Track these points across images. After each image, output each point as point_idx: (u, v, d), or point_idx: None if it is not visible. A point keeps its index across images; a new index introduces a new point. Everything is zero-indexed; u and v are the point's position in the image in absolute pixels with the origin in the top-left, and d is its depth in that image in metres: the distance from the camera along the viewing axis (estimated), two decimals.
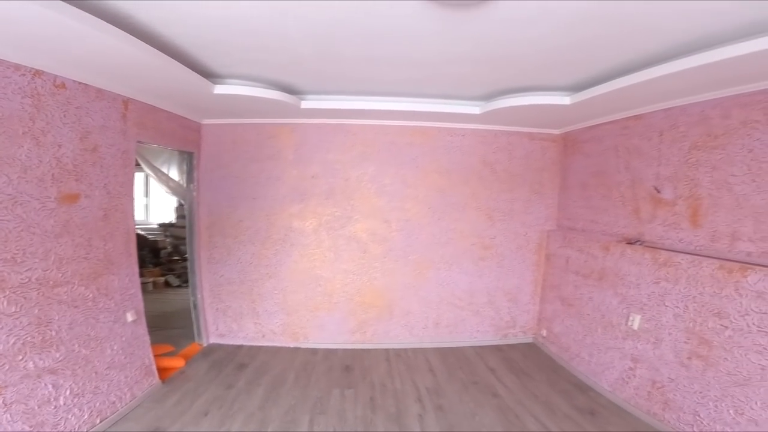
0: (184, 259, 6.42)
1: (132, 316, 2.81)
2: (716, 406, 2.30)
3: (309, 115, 3.68)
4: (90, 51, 1.92)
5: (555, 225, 4.24)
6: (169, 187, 3.86)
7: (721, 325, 2.32)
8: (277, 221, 3.97)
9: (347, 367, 3.53)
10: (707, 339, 2.39)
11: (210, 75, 2.73)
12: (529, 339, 4.32)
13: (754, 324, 2.16)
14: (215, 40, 2.15)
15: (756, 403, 2.11)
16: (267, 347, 3.95)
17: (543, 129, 4.13)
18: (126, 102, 2.80)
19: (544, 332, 4.06)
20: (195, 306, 3.94)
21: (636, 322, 2.87)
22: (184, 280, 6.21)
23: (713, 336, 2.35)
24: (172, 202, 7.75)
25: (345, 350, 3.96)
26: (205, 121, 3.88)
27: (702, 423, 2.37)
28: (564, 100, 2.91)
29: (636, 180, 3.14)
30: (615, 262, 3.16)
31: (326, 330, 4.03)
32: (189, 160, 3.84)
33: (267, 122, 3.90)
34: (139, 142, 2.99)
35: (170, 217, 8.00)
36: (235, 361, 3.57)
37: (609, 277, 3.21)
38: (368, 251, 4.00)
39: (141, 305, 2.93)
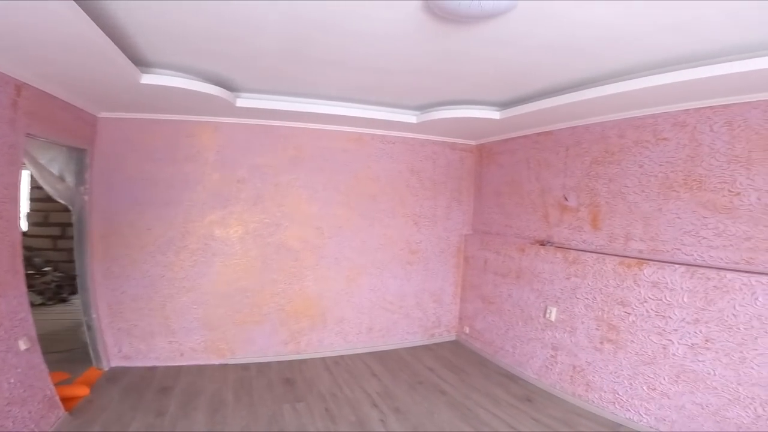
0: (42, 273, 5.45)
1: (25, 343, 2.30)
2: (630, 384, 2.73)
3: (239, 114, 3.44)
4: None
5: (471, 229, 4.60)
6: (56, 189, 3.25)
7: (625, 312, 2.77)
8: (195, 229, 3.62)
9: (288, 380, 3.35)
10: (615, 325, 2.83)
11: (137, 61, 2.39)
12: (452, 337, 4.60)
13: (652, 309, 2.63)
14: (161, 21, 1.89)
15: (664, 379, 2.56)
16: (188, 367, 3.55)
17: (463, 140, 4.47)
18: (19, 87, 2.31)
19: (467, 329, 4.35)
20: (89, 327, 3.36)
21: (553, 314, 3.26)
22: (48, 297, 5.26)
23: (619, 322, 2.79)
24: (23, 207, 6.46)
25: (279, 362, 3.75)
26: (103, 114, 3.37)
27: (621, 399, 2.79)
28: (494, 114, 3.20)
29: (545, 189, 3.58)
30: (530, 261, 3.55)
31: (256, 343, 3.78)
32: (80, 158, 3.28)
33: (185, 119, 3.55)
34: (29, 135, 2.49)
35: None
36: (153, 384, 3.14)
37: (526, 275, 3.59)
38: (300, 259, 3.87)
39: (33, 331, 2.42)
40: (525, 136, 3.77)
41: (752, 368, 2.20)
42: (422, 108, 3.42)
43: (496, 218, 4.22)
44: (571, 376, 3.11)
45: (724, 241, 2.43)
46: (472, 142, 4.54)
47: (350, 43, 2.08)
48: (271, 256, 3.80)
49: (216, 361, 3.68)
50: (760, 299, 2.19)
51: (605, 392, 2.87)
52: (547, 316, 3.33)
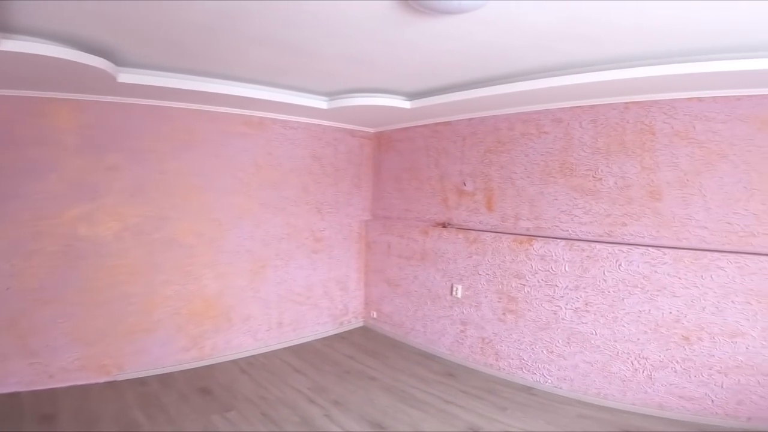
0: None
1: None
2: (532, 349, 3.16)
3: (117, 92, 2.87)
4: None
5: (371, 215, 4.71)
6: None
7: (521, 284, 3.19)
8: (51, 228, 2.95)
9: (203, 389, 3.01)
10: (513, 296, 3.23)
11: None
12: (360, 323, 4.69)
13: (542, 280, 3.07)
14: None
15: (558, 342, 3.02)
16: (63, 389, 2.92)
17: (362, 127, 4.51)
18: None
19: (374, 314, 4.49)
20: None
21: (459, 291, 3.58)
22: None
23: (517, 293, 3.21)
24: None
25: (184, 372, 3.33)
26: None
27: (527, 364, 3.21)
28: (405, 104, 3.30)
29: (444, 175, 3.86)
30: (434, 243, 3.82)
31: (150, 354, 3.29)
32: None
33: (32, 95, 2.82)
34: None
35: None
36: (27, 412, 2.52)
37: (430, 256, 3.85)
38: (195, 255, 3.47)
39: None
40: (424, 126, 3.98)
41: (623, 326, 2.76)
42: (333, 94, 3.33)
43: (396, 203, 4.39)
44: (481, 347, 3.47)
45: (591, 218, 2.97)
46: (371, 130, 4.61)
47: (290, 22, 1.90)
48: (160, 254, 3.32)
49: (100, 379, 3.10)
50: (622, 265, 2.75)
51: (512, 359, 3.29)
52: (454, 293, 3.63)
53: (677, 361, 2.61)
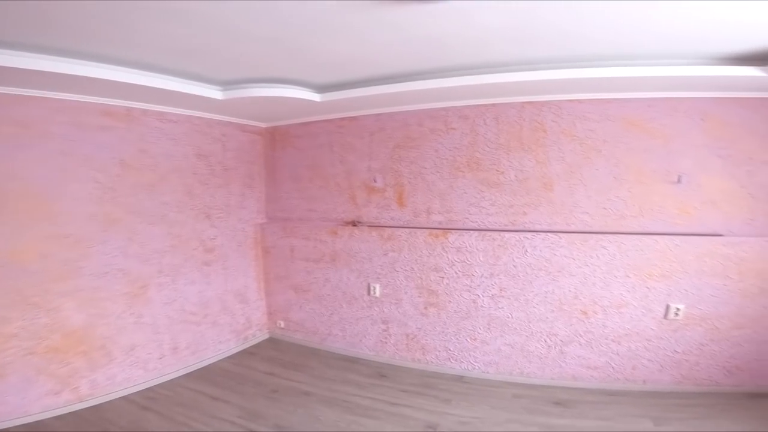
0: None
1: None
2: (457, 338, 3.24)
3: None
4: None
5: (266, 218, 4.32)
6: None
7: (440, 276, 3.25)
8: None
9: None
10: (434, 289, 3.28)
11: None
12: (266, 335, 4.27)
13: (460, 271, 3.18)
14: None
15: (480, 329, 3.15)
16: None
17: (253, 122, 4.07)
18: None
19: (281, 323, 4.13)
20: None
21: (377, 290, 3.49)
22: None
23: (437, 286, 3.26)
24: None
25: (59, 418, 2.57)
26: None
27: (454, 354, 3.28)
28: (315, 96, 3.03)
29: (351, 172, 3.72)
30: (345, 243, 3.66)
31: (7, 404, 2.43)
32: None
33: None
34: None
35: None
36: None
37: (342, 257, 3.69)
38: (44, 282, 2.67)
39: None
40: (328, 121, 3.76)
41: (534, 307, 3.01)
42: (231, 83, 2.87)
43: (296, 203, 4.09)
44: (407, 344, 3.44)
45: (497, 209, 3.17)
46: (263, 125, 4.19)
47: None
48: None
49: None
50: (528, 251, 3.00)
51: (440, 351, 3.33)
52: (372, 293, 3.52)
53: (580, 335, 2.97)
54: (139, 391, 3.06)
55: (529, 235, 3.03)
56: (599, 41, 2.09)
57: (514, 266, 3.06)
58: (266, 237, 4.19)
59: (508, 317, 3.12)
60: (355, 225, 3.65)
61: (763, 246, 2.71)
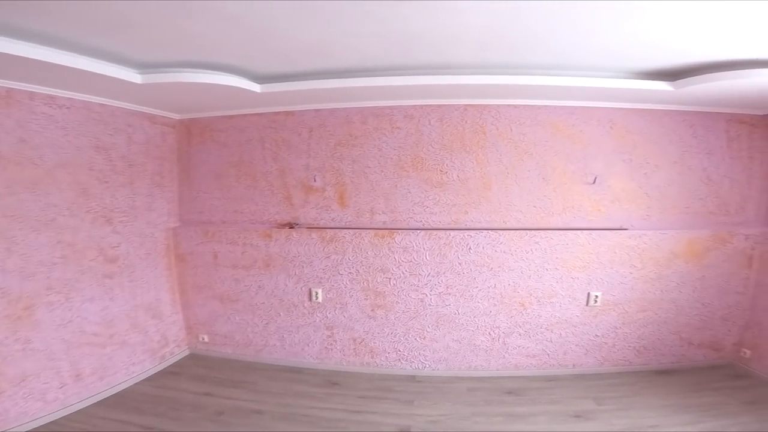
0: None
1: None
2: (406, 339, 3.19)
3: None
4: None
5: (179, 221, 3.83)
6: None
7: (386, 277, 3.18)
8: None
9: None
10: (380, 291, 3.20)
11: None
12: (186, 352, 3.76)
13: (407, 271, 3.15)
14: None
15: (428, 327, 3.14)
16: None
17: (164, 112, 3.57)
18: None
19: (205, 337, 3.68)
20: None
21: (319, 295, 3.30)
22: None
23: (384, 287, 3.19)
24: None
25: None
26: None
27: (404, 354, 3.22)
28: (254, 87, 2.73)
29: (286, 170, 3.48)
30: (281, 247, 3.40)
31: None
32: None
33: None
34: None
35: None
36: None
37: (277, 262, 3.42)
38: None
39: None
40: (259, 115, 3.45)
41: (479, 302, 3.11)
42: (153, 66, 2.43)
43: (219, 204, 3.69)
44: (354, 348, 3.30)
45: (440, 208, 3.23)
46: (176, 116, 3.69)
47: None
48: None
49: None
50: (471, 248, 3.09)
51: (389, 353, 3.24)
52: (314, 298, 3.32)
53: (520, 325, 3.16)
54: (44, 425, 2.46)
55: (472, 233, 3.12)
56: (553, 50, 2.23)
57: (459, 264, 3.14)
58: (180, 243, 3.69)
59: (455, 314, 3.18)
60: (292, 227, 3.40)
61: (658, 238, 3.17)
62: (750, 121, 3.26)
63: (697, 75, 2.52)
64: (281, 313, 3.45)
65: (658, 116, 3.23)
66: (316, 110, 3.31)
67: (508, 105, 3.13)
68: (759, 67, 2.29)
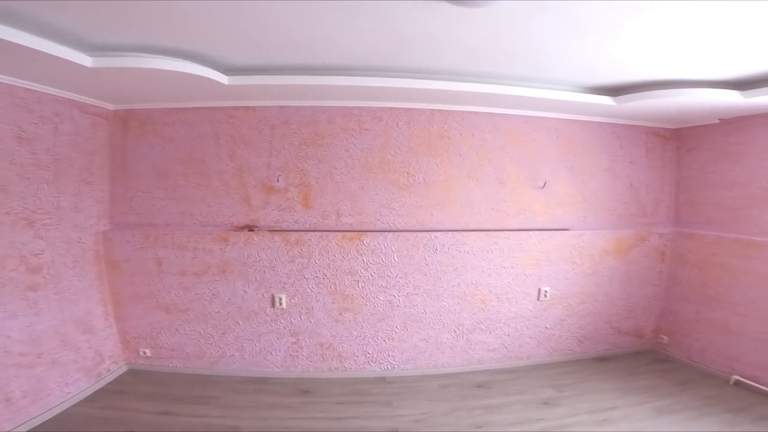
0: None
1: None
2: (375, 341, 3.16)
3: None
4: None
5: (110, 223, 3.44)
6: None
7: (354, 280, 3.15)
8: None
9: None
10: (348, 294, 3.15)
11: None
12: (123, 368, 3.36)
13: (375, 273, 3.15)
14: None
15: (397, 327, 3.15)
16: None
17: (97, 101, 3.18)
18: None
19: (146, 352, 3.32)
20: None
21: (283, 300, 3.16)
22: None
23: (352, 290, 3.15)
24: None
25: None
26: None
27: (373, 357, 3.20)
28: (222, 78, 2.53)
29: (244, 169, 3.29)
30: (240, 251, 3.21)
31: None
32: None
33: None
34: None
35: None
36: None
37: (235, 267, 3.22)
38: None
39: None
40: (213, 108, 3.21)
41: (444, 301, 3.21)
42: (109, 49, 2.14)
43: (162, 205, 3.37)
44: (322, 354, 3.19)
45: (406, 210, 3.29)
46: (110, 106, 3.30)
47: None
48: None
49: None
50: (437, 249, 3.19)
51: (358, 356, 3.19)
52: (278, 304, 3.17)
53: (481, 322, 3.32)
54: None
55: (438, 234, 3.22)
56: (530, 63, 2.38)
57: (426, 264, 3.21)
58: (114, 248, 3.29)
59: (423, 313, 3.25)
60: (251, 230, 3.21)
61: (593, 237, 3.54)
62: (664, 134, 3.77)
63: (633, 92, 2.86)
64: (240, 322, 3.24)
65: (594, 127, 3.59)
66: (281, 107, 3.16)
67: (472, 112, 3.28)
68: (685, 87, 2.66)
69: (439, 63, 2.39)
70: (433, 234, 3.21)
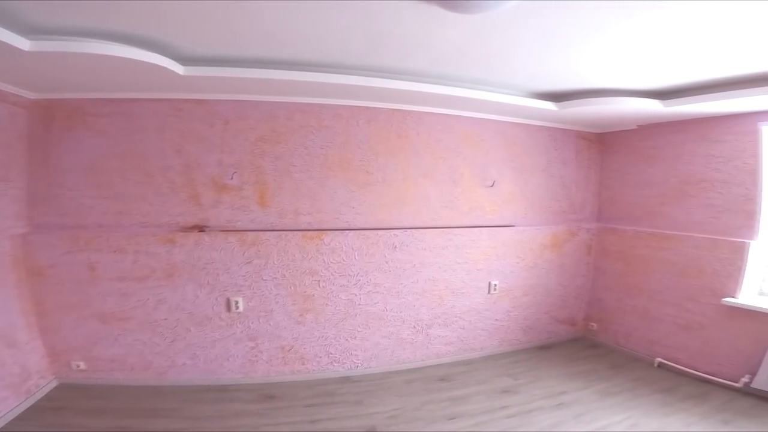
0: None
1: None
2: (337, 341, 3.13)
3: None
4: None
5: (29, 225, 3.07)
6: None
7: (315, 280, 3.11)
8: None
9: None
10: (309, 294, 3.10)
11: None
12: (53, 383, 3.00)
13: (336, 272, 3.13)
14: None
15: (359, 326, 3.15)
16: None
17: (16, 88, 2.81)
18: None
19: (81, 364, 3.00)
20: None
21: (240, 304, 3.02)
22: None
23: (313, 291, 3.10)
24: None
25: None
26: None
27: (337, 357, 3.15)
28: (177, 68, 2.35)
29: (192, 165, 3.09)
30: (189, 253, 3.02)
31: None
32: None
33: None
34: None
35: None
36: None
37: (184, 271, 3.02)
38: None
39: None
40: (157, 100, 2.97)
41: (404, 298, 3.28)
42: (43, 32, 1.89)
43: (94, 204, 3.06)
44: (283, 357, 3.09)
45: (366, 209, 3.31)
46: (30, 94, 2.92)
47: None
48: None
49: None
50: (397, 247, 3.26)
51: (321, 357, 3.13)
52: (233, 308, 3.02)
53: (439, 317, 3.45)
54: None
55: (397, 232, 3.28)
56: (493, 67, 2.51)
57: (386, 262, 3.26)
58: (35, 253, 2.93)
59: (384, 311, 3.29)
60: (202, 230, 3.02)
61: (533, 232, 3.85)
62: (590, 138, 4.19)
63: (572, 99, 3.14)
64: (191, 329, 3.03)
65: (533, 131, 3.89)
66: (236, 101, 3.01)
67: (429, 113, 3.38)
68: (615, 95, 2.98)
69: (406, 64, 2.43)
70: (392, 232, 3.26)
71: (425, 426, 2.52)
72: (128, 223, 3.01)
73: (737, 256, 3.02)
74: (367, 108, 3.20)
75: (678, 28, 1.83)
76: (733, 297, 3.01)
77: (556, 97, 3.17)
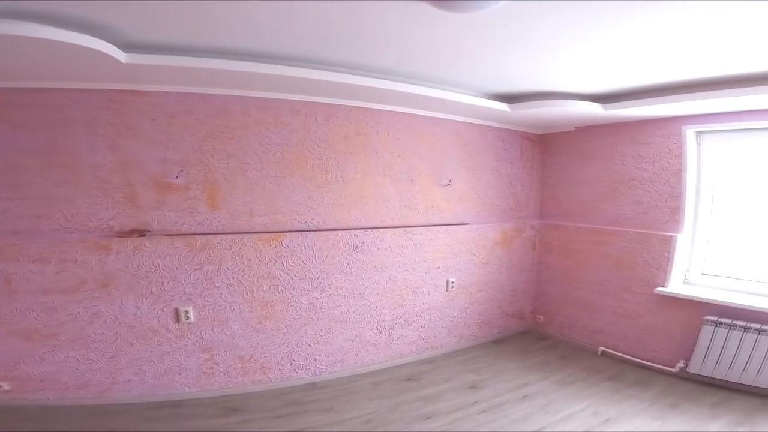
0: None
1: None
2: (299, 347, 2.99)
3: None
4: None
5: None
6: None
7: (274, 285, 2.94)
8: None
9: None
10: (268, 300, 2.92)
11: None
12: None
13: (295, 275, 2.99)
14: None
15: (321, 330, 3.02)
16: None
17: None
18: None
19: (4, 385, 2.58)
20: None
21: (190, 314, 2.77)
22: None
23: (271, 296, 2.93)
24: None
25: None
26: None
27: (300, 364, 3.01)
28: (120, 55, 2.07)
29: (129, 163, 2.79)
30: (127, 260, 2.73)
31: None
32: None
33: None
34: None
35: None
36: None
37: (122, 280, 2.72)
38: None
39: None
40: (87, 90, 2.62)
41: (366, 299, 3.22)
42: None
43: (6, 208, 2.65)
44: (242, 367, 2.88)
45: (324, 208, 3.21)
46: None
47: None
48: None
49: None
50: (358, 247, 3.20)
51: (283, 365, 2.96)
52: (183, 319, 2.76)
53: (400, 316, 3.43)
54: None
55: (357, 232, 3.22)
56: (459, 67, 2.52)
57: (347, 263, 3.18)
58: None
59: (346, 313, 3.21)
60: (142, 235, 2.73)
61: (485, 230, 3.99)
62: (534, 139, 4.42)
63: (522, 101, 3.28)
64: (134, 342, 2.73)
65: (485, 131, 4.02)
66: (182, 93, 2.75)
67: (388, 111, 3.34)
68: (559, 98, 3.16)
69: (374, 60, 2.37)
70: (353, 232, 3.19)
71: (404, 427, 2.48)
72: (49, 229, 2.63)
73: (665, 248, 3.33)
74: (326, 104, 3.09)
75: (625, 41, 1.97)
76: (663, 287, 3.31)
77: (509, 98, 3.28)
